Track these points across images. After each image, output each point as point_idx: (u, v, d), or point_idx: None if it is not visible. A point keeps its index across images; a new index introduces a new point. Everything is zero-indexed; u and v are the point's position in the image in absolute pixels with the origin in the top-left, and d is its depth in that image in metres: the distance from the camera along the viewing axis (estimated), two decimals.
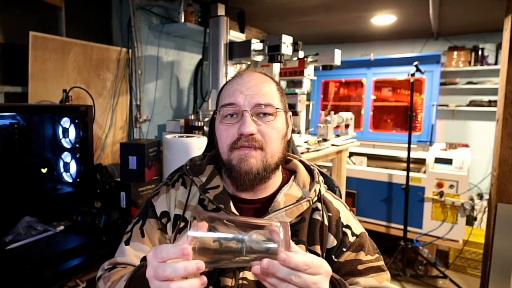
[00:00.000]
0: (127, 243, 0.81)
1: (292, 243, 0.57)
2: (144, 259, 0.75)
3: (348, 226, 0.79)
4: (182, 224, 0.77)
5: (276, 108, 0.75)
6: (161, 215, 0.81)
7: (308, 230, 0.76)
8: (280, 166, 0.81)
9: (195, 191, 0.81)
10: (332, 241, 0.76)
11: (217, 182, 0.80)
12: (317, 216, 0.77)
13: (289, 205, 0.75)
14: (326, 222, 0.77)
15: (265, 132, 0.73)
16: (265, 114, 0.74)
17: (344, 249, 0.76)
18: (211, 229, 0.54)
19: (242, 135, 0.72)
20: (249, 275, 0.71)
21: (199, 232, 0.53)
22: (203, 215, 0.56)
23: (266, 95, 0.75)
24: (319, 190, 0.80)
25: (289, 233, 0.55)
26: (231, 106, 0.74)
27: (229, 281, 0.70)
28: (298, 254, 0.54)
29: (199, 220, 0.54)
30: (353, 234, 0.78)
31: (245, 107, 0.73)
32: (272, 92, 0.77)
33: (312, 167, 0.86)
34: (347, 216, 0.81)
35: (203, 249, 0.53)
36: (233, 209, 0.75)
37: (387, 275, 0.78)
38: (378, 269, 0.77)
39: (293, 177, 0.83)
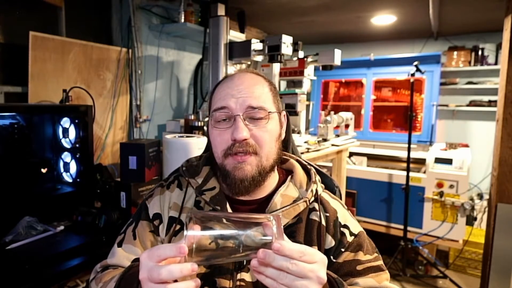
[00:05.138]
0: (119, 245, 0.81)
1: (286, 237, 0.58)
2: (135, 260, 0.75)
3: (346, 226, 0.78)
4: (178, 227, 0.77)
5: (269, 112, 0.74)
6: (153, 217, 0.80)
7: (305, 231, 0.75)
8: (275, 166, 0.80)
9: (191, 192, 0.80)
10: (330, 242, 0.76)
11: (213, 183, 0.79)
12: (314, 216, 0.77)
13: (286, 206, 0.75)
14: (323, 222, 0.77)
15: (258, 136, 0.73)
16: (257, 118, 0.73)
17: (343, 250, 0.76)
18: (207, 228, 0.55)
19: (235, 141, 0.71)
20: (246, 276, 0.71)
21: (196, 231, 0.54)
22: (199, 214, 0.56)
23: (258, 97, 0.74)
24: (316, 190, 0.80)
25: (282, 226, 0.57)
26: (223, 110, 0.73)
27: (227, 283, 0.70)
28: (291, 243, 0.55)
29: (195, 219, 0.55)
30: (351, 233, 0.78)
31: (237, 111, 0.72)
32: (264, 94, 0.76)
33: (309, 166, 0.85)
34: (344, 215, 0.80)
35: (200, 249, 0.54)
36: (230, 211, 0.75)
37: (386, 274, 0.77)
38: (377, 269, 0.76)
39: (289, 177, 0.82)
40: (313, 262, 0.55)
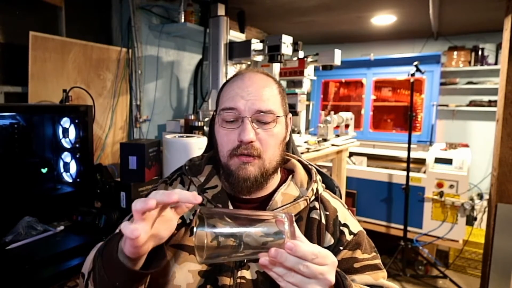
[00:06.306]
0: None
1: (299, 233, 0.57)
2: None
3: (345, 225, 0.79)
4: (180, 221, 0.77)
5: (277, 116, 0.75)
6: None
7: (306, 229, 0.76)
8: (278, 168, 0.81)
9: (193, 190, 0.81)
10: (329, 240, 0.77)
11: (215, 182, 0.80)
12: (314, 215, 0.78)
13: (287, 204, 0.75)
14: (323, 221, 0.77)
15: (264, 139, 0.74)
16: (265, 122, 0.74)
17: (341, 248, 0.76)
18: (216, 225, 0.55)
19: (242, 142, 0.72)
20: (247, 274, 0.71)
21: (206, 228, 0.54)
22: (208, 211, 0.56)
23: (267, 100, 0.75)
24: (317, 189, 0.81)
25: (294, 224, 0.56)
26: (232, 111, 0.74)
27: (227, 280, 0.70)
28: (305, 244, 0.55)
29: (205, 216, 0.54)
30: (350, 232, 0.78)
31: (246, 113, 0.73)
32: (273, 96, 0.76)
33: (310, 166, 0.86)
34: (344, 214, 0.81)
35: (209, 246, 0.53)
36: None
37: (383, 273, 0.78)
38: (374, 267, 0.77)
39: (290, 176, 0.83)
40: (324, 264, 0.55)
